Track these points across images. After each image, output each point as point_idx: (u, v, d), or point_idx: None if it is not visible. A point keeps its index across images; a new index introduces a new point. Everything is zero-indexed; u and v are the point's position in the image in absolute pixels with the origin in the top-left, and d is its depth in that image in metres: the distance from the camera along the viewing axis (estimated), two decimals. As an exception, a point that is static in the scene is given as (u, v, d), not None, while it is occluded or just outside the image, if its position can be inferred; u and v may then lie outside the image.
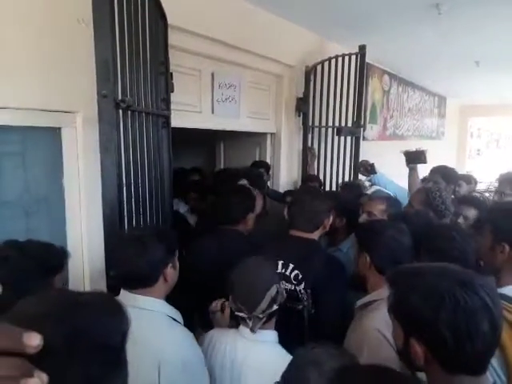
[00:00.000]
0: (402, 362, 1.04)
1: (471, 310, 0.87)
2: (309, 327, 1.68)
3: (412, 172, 2.75)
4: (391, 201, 2.42)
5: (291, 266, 1.80)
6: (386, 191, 3.12)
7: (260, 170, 3.36)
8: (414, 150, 2.84)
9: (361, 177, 3.85)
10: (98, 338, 0.58)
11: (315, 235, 1.88)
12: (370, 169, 3.36)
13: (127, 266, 1.33)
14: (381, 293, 1.45)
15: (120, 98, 1.74)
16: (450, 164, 2.85)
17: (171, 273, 1.39)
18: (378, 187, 3.21)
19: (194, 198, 3.19)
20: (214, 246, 2.06)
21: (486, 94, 7.97)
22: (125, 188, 1.90)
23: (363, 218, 2.32)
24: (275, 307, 1.39)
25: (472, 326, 0.86)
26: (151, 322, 1.29)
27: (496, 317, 0.88)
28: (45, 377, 0.37)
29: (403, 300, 0.96)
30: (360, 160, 3.54)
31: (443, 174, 3.37)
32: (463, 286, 0.89)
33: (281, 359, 1.21)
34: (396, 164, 3.64)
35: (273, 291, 1.38)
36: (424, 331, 0.91)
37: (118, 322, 0.64)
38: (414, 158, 2.70)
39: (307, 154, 3.67)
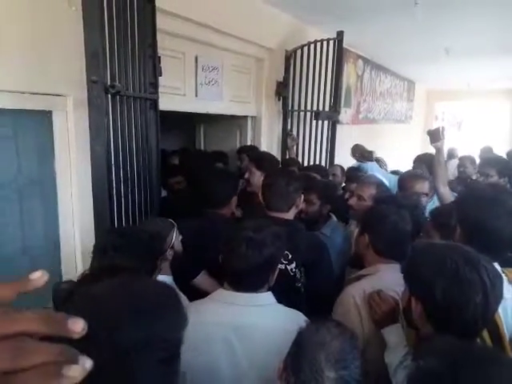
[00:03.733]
0: (404, 318, 1.18)
1: (467, 282, 0.99)
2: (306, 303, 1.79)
3: (436, 152, 2.56)
4: (382, 187, 2.47)
5: None
6: (380, 177, 3.16)
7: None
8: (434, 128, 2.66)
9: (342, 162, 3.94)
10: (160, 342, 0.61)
11: (291, 215, 1.97)
12: (366, 155, 3.40)
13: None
14: (374, 269, 1.62)
15: (109, 83, 1.76)
16: (416, 146, 2.90)
17: None
18: (371, 172, 3.27)
19: (178, 182, 3.17)
20: (198, 230, 2.10)
21: (453, 79, 8.26)
22: (114, 170, 1.93)
23: (353, 200, 2.40)
24: None
25: (463, 298, 0.98)
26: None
27: (490, 298, 0.98)
28: (89, 363, 0.36)
29: (412, 262, 1.11)
30: (355, 144, 3.56)
31: (427, 162, 3.36)
32: (468, 262, 1.02)
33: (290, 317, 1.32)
34: (367, 147, 3.77)
35: None
36: (422, 291, 1.05)
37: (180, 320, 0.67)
38: (433, 138, 2.51)
39: (288, 140, 3.76)
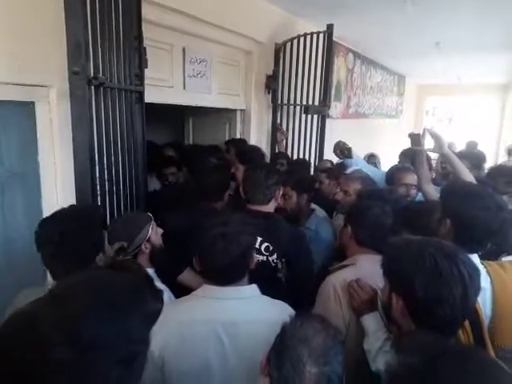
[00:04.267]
0: (383, 315, 1.18)
1: (446, 276, 0.99)
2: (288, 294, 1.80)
3: (417, 153, 2.57)
4: (367, 181, 2.52)
5: (259, 238, 1.87)
6: (365, 172, 3.19)
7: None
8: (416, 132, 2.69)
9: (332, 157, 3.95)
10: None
11: (270, 208, 2.00)
12: (346, 153, 3.42)
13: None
14: (355, 259, 1.66)
15: (92, 74, 1.73)
16: (407, 141, 2.90)
17: None
18: (357, 167, 3.29)
19: (173, 173, 3.16)
20: (188, 222, 2.10)
21: (444, 74, 8.29)
22: (97, 163, 1.91)
23: (340, 195, 2.45)
24: None
25: (443, 292, 0.99)
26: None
27: (469, 291, 0.99)
28: None
29: (392, 258, 1.11)
30: (337, 141, 3.58)
31: (411, 157, 3.41)
32: (446, 256, 1.02)
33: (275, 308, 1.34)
34: (358, 142, 3.79)
35: None
36: (402, 287, 1.05)
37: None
38: (415, 141, 2.53)
39: (277, 132, 3.75)
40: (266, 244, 1.89)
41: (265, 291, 1.51)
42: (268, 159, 3.71)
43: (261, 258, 1.87)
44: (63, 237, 1.32)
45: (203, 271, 1.38)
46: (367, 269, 1.54)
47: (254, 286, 1.38)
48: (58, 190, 2.03)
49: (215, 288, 1.32)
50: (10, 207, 1.91)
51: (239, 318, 1.27)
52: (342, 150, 3.39)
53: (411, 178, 2.62)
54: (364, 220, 1.72)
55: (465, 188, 1.70)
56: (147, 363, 1.26)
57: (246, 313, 1.29)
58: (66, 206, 2.00)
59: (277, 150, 3.79)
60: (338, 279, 1.59)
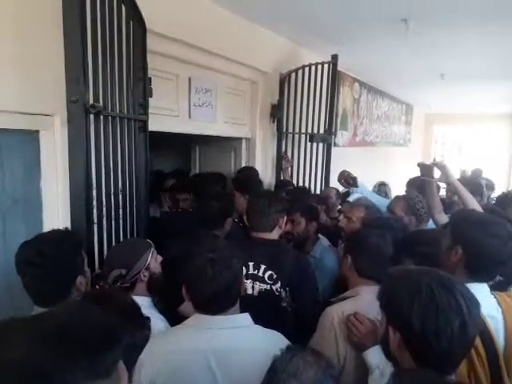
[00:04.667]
0: (382, 350, 1.13)
1: (444, 308, 0.95)
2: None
3: (428, 184, 2.59)
4: (371, 209, 2.53)
5: (263, 266, 1.86)
6: (370, 200, 3.19)
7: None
8: (428, 163, 2.72)
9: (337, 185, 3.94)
10: None
11: (274, 235, 1.98)
12: (351, 182, 3.42)
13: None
14: (356, 291, 1.62)
15: (90, 103, 1.75)
16: (416, 169, 2.90)
17: None
18: (360, 195, 3.29)
19: (185, 199, 3.18)
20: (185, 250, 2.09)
21: (450, 103, 8.34)
22: (95, 190, 1.90)
23: (343, 222, 2.46)
24: None
25: (441, 323, 0.94)
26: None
27: (468, 323, 0.94)
28: None
29: (387, 289, 1.07)
30: (342, 170, 3.58)
31: (418, 185, 3.44)
32: (443, 286, 0.98)
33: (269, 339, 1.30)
34: (366, 170, 3.78)
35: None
36: (399, 319, 1.01)
37: None
38: (424, 172, 2.56)
39: (281, 160, 3.76)
40: (270, 272, 1.85)
41: (269, 320, 1.49)
42: (272, 187, 3.72)
43: (264, 286, 1.84)
44: (42, 258, 1.32)
45: (192, 301, 1.34)
46: (368, 301, 1.47)
47: (246, 315, 1.34)
48: (59, 217, 2.04)
49: (206, 317, 1.29)
50: (12, 233, 1.91)
51: (231, 348, 1.23)
52: (347, 179, 3.38)
53: (398, 209, 2.62)
54: (363, 249, 1.68)
55: (477, 215, 1.69)
56: None
57: (237, 342, 1.25)
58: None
59: (282, 178, 3.79)
60: (336, 311, 1.54)
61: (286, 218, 2.05)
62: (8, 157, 1.87)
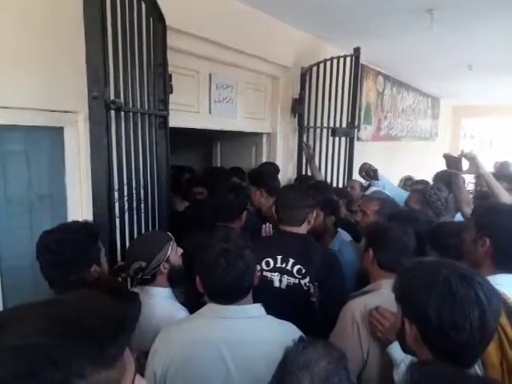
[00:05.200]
0: (398, 341, 1.12)
1: (462, 300, 0.92)
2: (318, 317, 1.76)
3: (455, 177, 2.58)
4: (386, 202, 2.49)
5: (291, 260, 1.85)
6: (386, 192, 3.15)
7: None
8: (455, 155, 2.63)
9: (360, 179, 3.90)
10: None
11: (303, 229, 1.96)
12: (372, 175, 3.37)
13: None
14: (378, 285, 1.60)
15: (111, 99, 1.79)
16: (443, 164, 2.83)
17: None
18: (376, 188, 3.24)
19: (201, 192, 3.27)
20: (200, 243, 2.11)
21: (479, 95, 8.07)
22: (117, 185, 1.94)
23: (359, 216, 2.45)
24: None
25: (459, 316, 0.91)
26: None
27: (488, 316, 0.91)
28: None
29: (403, 282, 1.05)
30: (363, 163, 3.53)
31: (445, 179, 3.39)
32: (461, 278, 0.95)
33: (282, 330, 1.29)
34: (388, 164, 3.72)
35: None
36: (415, 312, 0.99)
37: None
38: (451, 164, 2.57)
39: (303, 152, 3.73)
40: (299, 266, 1.84)
41: (296, 315, 1.50)
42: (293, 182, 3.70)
43: (292, 280, 1.83)
44: (59, 246, 1.39)
45: (205, 291, 1.34)
46: (391, 294, 1.46)
47: (259, 306, 1.35)
48: (83, 211, 2.09)
49: (219, 307, 1.29)
50: (38, 227, 1.96)
51: (243, 338, 1.24)
52: (368, 171, 3.33)
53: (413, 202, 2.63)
54: (385, 242, 1.66)
55: (503, 206, 1.67)
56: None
57: (250, 333, 1.26)
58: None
59: (310, 170, 3.76)
60: (357, 305, 1.51)
61: (315, 213, 2.02)
62: (34, 153, 1.94)
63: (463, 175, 3.09)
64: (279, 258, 1.86)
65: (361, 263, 1.88)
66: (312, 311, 1.83)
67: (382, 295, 1.50)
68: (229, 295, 1.29)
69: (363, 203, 2.51)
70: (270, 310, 1.40)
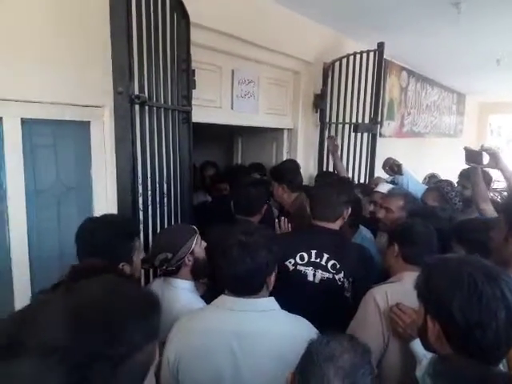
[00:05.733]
0: (420, 339, 1.11)
1: (488, 299, 0.91)
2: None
3: (473, 171, 2.54)
4: (409, 197, 2.49)
5: (326, 255, 1.86)
6: (405, 189, 3.11)
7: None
8: (476, 149, 2.58)
9: (382, 175, 3.86)
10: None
11: (337, 225, 1.98)
12: (396, 169, 3.32)
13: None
14: (399, 277, 1.64)
15: (135, 94, 1.82)
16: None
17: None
18: (391, 186, 3.20)
19: (225, 188, 3.38)
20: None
21: (507, 91, 7.84)
22: (141, 179, 1.98)
23: (382, 213, 2.44)
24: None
25: (485, 315, 0.90)
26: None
27: None
28: None
29: (427, 279, 1.04)
30: (387, 158, 3.48)
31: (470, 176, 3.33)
32: (487, 276, 0.94)
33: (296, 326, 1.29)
34: (411, 161, 3.66)
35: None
36: (439, 310, 0.98)
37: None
38: (471, 158, 2.51)
39: (327, 143, 3.70)
40: (333, 261, 1.86)
41: (329, 309, 1.53)
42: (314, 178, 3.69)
43: (326, 275, 1.85)
44: (92, 235, 1.47)
45: (218, 279, 1.36)
46: (411, 286, 1.45)
47: (271, 299, 1.35)
48: (108, 204, 2.14)
49: (232, 299, 1.31)
50: (66, 218, 2.04)
51: (253, 331, 1.25)
52: (392, 166, 3.27)
53: (429, 198, 2.61)
54: (411, 236, 1.70)
55: None
56: (164, 370, 1.29)
57: (260, 326, 1.26)
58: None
59: (331, 164, 3.74)
60: (379, 292, 1.55)
61: (350, 209, 2.03)
62: (62, 147, 1.99)
63: (490, 174, 3.04)
64: (313, 252, 1.88)
65: (384, 259, 1.88)
66: (345, 306, 1.83)
67: (404, 285, 1.52)
68: (238, 288, 1.31)
69: (386, 200, 2.50)
70: (303, 304, 1.42)
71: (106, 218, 1.59)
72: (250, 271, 1.27)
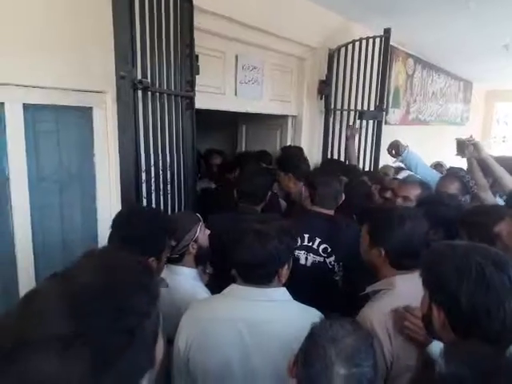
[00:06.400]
0: (424, 327, 1.09)
1: (495, 287, 0.90)
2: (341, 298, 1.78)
3: (469, 162, 2.52)
4: (425, 186, 2.46)
5: (318, 239, 1.94)
6: (418, 177, 3.05)
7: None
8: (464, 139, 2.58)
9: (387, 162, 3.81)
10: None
11: (332, 211, 2.08)
12: (400, 152, 3.24)
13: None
14: (390, 282, 1.44)
15: (138, 79, 1.80)
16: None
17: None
18: (408, 172, 3.16)
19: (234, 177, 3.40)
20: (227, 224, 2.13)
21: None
22: (144, 165, 1.97)
23: (398, 202, 2.38)
24: None
25: (493, 303, 0.89)
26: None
27: None
28: None
29: (433, 266, 1.02)
30: (394, 140, 3.41)
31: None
32: (495, 264, 0.92)
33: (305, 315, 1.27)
34: (417, 149, 3.60)
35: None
36: (445, 298, 0.96)
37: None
38: (459, 148, 2.54)
39: (346, 130, 3.68)
40: (325, 245, 1.94)
41: (319, 292, 1.55)
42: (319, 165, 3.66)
43: (318, 258, 1.93)
44: (132, 225, 1.46)
45: (231, 265, 1.36)
46: (408, 293, 1.29)
47: (283, 290, 1.34)
48: (111, 191, 2.13)
49: (242, 288, 1.31)
50: (68, 205, 2.03)
51: (263, 319, 1.25)
52: (398, 148, 3.18)
53: (450, 187, 2.47)
54: (397, 239, 1.45)
55: None
56: (175, 360, 1.29)
57: (271, 315, 1.26)
58: (119, 207, 2.14)
59: (342, 151, 3.74)
60: (375, 315, 1.35)
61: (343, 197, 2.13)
62: (64, 133, 1.98)
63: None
64: (306, 236, 1.96)
65: (363, 255, 1.62)
66: (335, 289, 1.92)
67: (399, 296, 1.37)
68: (249, 276, 1.31)
69: (403, 188, 2.44)
70: (294, 287, 1.41)
71: (147, 210, 1.61)
72: (261, 259, 1.26)
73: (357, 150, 3.83)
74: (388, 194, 2.69)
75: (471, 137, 2.58)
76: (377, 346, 1.24)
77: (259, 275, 1.30)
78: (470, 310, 0.91)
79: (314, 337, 0.96)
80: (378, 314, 1.35)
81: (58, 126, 1.95)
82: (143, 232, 1.43)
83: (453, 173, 2.61)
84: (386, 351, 1.30)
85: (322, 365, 0.90)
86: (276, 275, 1.32)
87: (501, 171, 2.34)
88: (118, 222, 1.51)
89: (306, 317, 1.23)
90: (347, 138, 3.69)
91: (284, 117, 3.79)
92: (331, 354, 0.90)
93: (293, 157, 2.95)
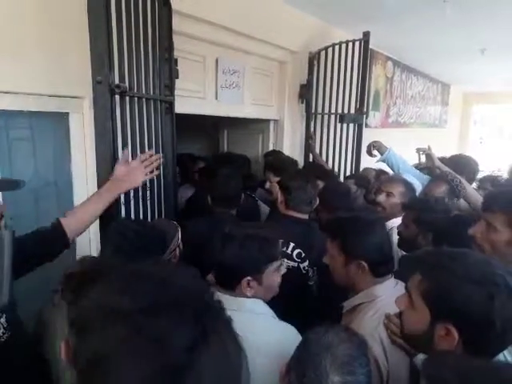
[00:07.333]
0: (410, 344, 1.07)
1: None
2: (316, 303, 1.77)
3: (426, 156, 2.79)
4: (409, 184, 2.48)
5: (291, 244, 1.90)
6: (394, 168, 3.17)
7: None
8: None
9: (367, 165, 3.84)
10: None
11: (307, 216, 2.06)
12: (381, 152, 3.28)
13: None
14: (368, 294, 1.41)
15: (115, 83, 1.75)
16: (452, 151, 2.88)
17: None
18: (391, 173, 3.22)
19: None
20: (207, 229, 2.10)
21: (490, 81, 7.91)
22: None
23: (382, 198, 2.40)
24: None
25: None
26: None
27: None
28: None
29: (445, 285, 0.93)
30: (373, 140, 3.44)
31: (492, 181, 3.41)
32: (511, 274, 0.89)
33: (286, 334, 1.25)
34: (397, 151, 3.64)
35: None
36: (467, 320, 0.89)
37: None
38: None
39: (309, 142, 3.69)
40: (298, 250, 1.90)
41: (293, 297, 1.51)
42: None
43: (291, 263, 1.89)
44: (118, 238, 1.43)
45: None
46: (389, 302, 1.22)
47: (258, 301, 1.29)
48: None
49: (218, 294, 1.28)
50: (44, 214, 1.96)
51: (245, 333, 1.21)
52: (380, 148, 3.25)
53: (438, 191, 2.46)
54: (374, 247, 1.41)
55: None
56: None
57: (244, 325, 1.22)
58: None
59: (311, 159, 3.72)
60: (365, 330, 1.25)
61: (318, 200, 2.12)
62: (40, 140, 1.92)
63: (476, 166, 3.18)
64: (280, 241, 1.86)
65: (336, 276, 1.53)
66: (309, 294, 1.91)
67: (383, 305, 1.32)
68: (216, 278, 1.30)
69: (387, 184, 2.46)
70: None
71: (131, 227, 1.53)
72: (222, 263, 1.27)
73: (338, 153, 3.85)
74: (372, 197, 2.71)
75: (429, 148, 2.90)
76: (371, 357, 1.20)
77: (221, 279, 1.30)
78: (501, 327, 0.86)
79: (308, 345, 0.95)
80: (368, 329, 1.27)
81: (32, 132, 1.89)
82: (136, 252, 1.38)
83: (441, 176, 2.62)
84: (381, 364, 1.24)
85: (316, 372, 0.89)
86: (239, 284, 1.27)
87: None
88: (111, 239, 1.47)
89: (285, 335, 1.21)
90: (311, 152, 3.72)
91: (266, 121, 3.78)
92: (326, 361, 0.89)
93: (285, 161, 2.97)
